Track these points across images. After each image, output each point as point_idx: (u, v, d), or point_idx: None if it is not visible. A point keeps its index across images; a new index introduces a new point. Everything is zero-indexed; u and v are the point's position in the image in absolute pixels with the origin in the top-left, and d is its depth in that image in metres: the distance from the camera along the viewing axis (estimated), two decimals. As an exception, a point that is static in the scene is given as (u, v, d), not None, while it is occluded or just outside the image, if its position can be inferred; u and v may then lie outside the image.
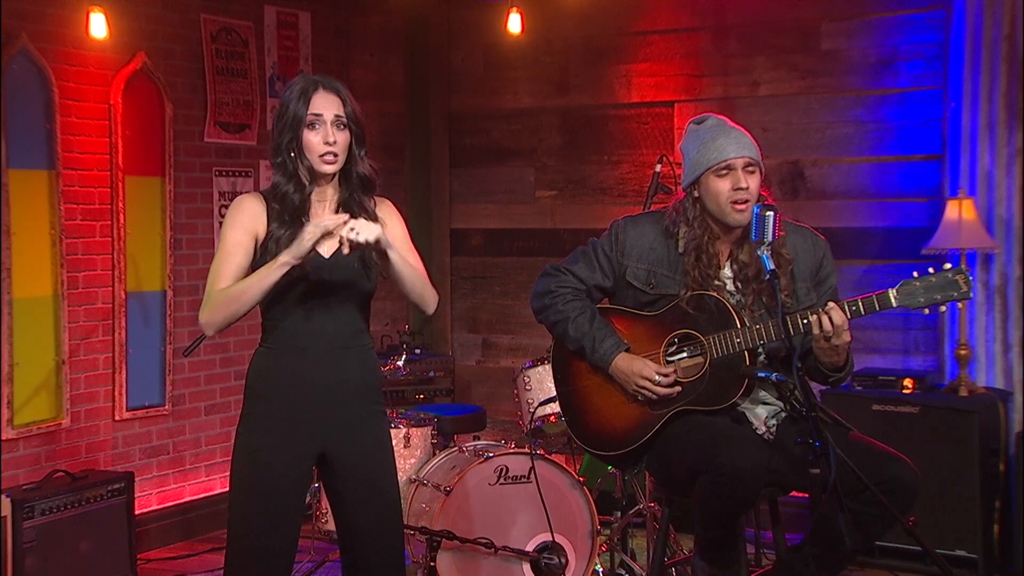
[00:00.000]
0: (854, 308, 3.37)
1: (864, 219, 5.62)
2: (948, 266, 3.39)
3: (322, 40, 6.49)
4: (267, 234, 3.16)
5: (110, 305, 5.42)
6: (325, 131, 3.14)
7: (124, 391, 5.45)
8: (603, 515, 4.76)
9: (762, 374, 3.42)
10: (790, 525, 3.90)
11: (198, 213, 5.81)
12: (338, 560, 3.38)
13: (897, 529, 3.41)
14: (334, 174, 3.20)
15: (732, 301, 3.55)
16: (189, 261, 5.75)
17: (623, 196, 6.16)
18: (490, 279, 6.60)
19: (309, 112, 3.14)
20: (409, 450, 4.97)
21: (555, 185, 6.40)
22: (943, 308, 3.40)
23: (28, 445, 5.07)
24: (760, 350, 3.52)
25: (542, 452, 4.63)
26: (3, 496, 4.69)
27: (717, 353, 3.51)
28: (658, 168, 4.87)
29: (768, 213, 3.34)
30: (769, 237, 3.34)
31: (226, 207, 5.82)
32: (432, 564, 4.42)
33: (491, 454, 4.58)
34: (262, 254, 3.15)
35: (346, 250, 3.02)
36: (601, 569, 4.74)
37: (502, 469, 4.58)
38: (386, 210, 3.32)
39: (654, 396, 3.56)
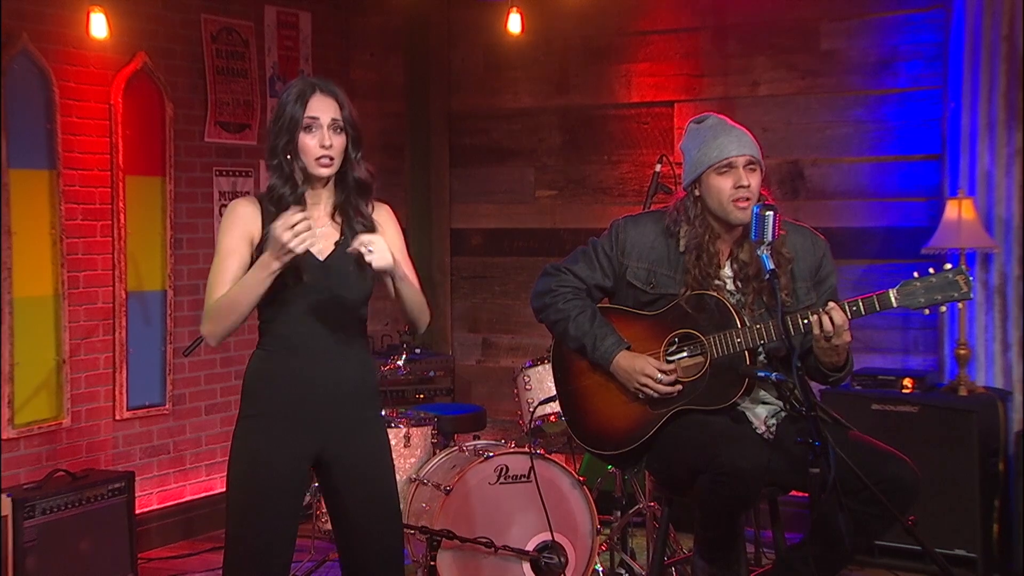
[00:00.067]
0: (854, 308, 3.38)
1: (864, 219, 5.63)
2: (948, 266, 3.39)
3: (322, 40, 6.49)
4: (263, 237, 3.16)
5: (111, 305, 5.42)
6: (321, 135, 3.14)
7: (125, 391, 5.46)
8: (603, 514, 4.77)
9: (762, 373, 3.43)
10: (790, 524, 3.91)
11: (198, 213, 5.82)
12: (338, 560, 3.38)
13: (897, 528, 3.41)
14: (330, 177, 3.20)
15: (732, 301, 3.56)
16: (189, 261, 5.76)
17: (623, 196, 6.17)
18: (490, 279, 6.60)
19: (306, 115, 3.13)
20: (409, 449, 4.97)
21: (555, 185, 6.40)
22: (943, 308, 3.40)
23: (29, 444, 5.07)
24: (760, 350, 3.53)
25: (542, 451, 4.64)
26: (4, 495, 4.69)
27: (717, 353, 3.52)
28: (658, 168, 4.87)
29: (768, 213, 3.35)
30: (769, 237, 3.34)
31: (226, 206, 5.84)
32: (432, 563, 4.42)
33: (491, 453, 4.59)
34: (259, 256, 3.15)
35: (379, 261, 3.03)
36: (601, 568, 4.75)
37: (502, 468, 4.58)
38: (384, 215, 3.32)
39: (655, 394, 3.56)
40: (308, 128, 3.14)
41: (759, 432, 3.56)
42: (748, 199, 3.51)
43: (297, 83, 3.20)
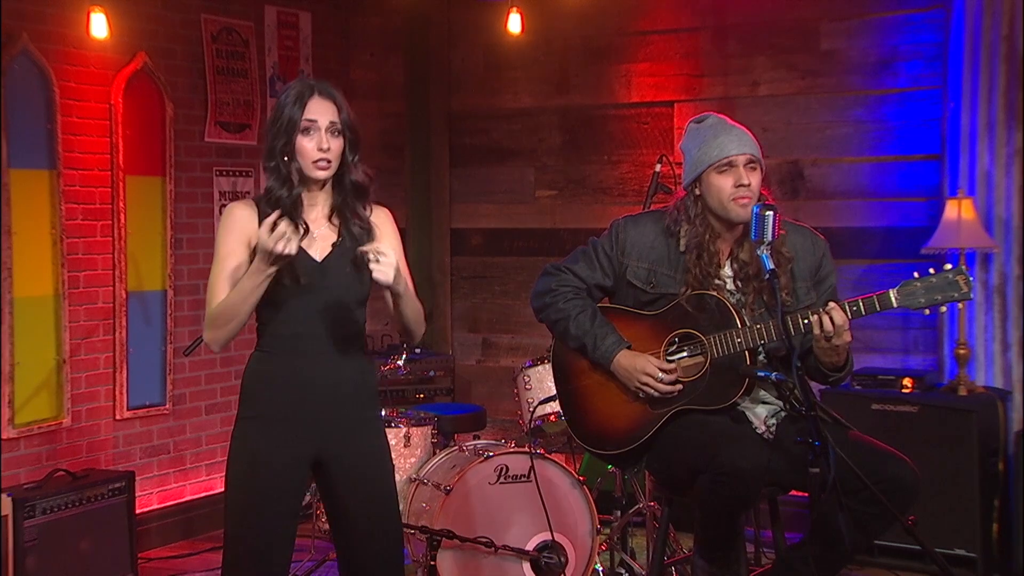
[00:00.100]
0: (855, 308, 3.38)
1: (863, 219, 5.63)
2: (948, 266, 3.39)
3: (322, 40, 6.50)
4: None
5: (111, 304, 5.43)
6: (319, 137, 3.13)
7: (125, 390, 5.46)
8: (603, 514, 4.77)
9: (762, 373, 3.43)
10: (790, 524, 3.91)
11: (199, 213, 5.82)
12: (336, 560, 3.37)
13: (896, 528, 3.42)
14: (327, 180, 3.20)
15: (732, 300, 3.56)
16: (190, 261, 5.76)
17: (623, 196, 6.17)
18: (490, 279, 6.60)
19: (304, 117, 3.13)
20: (409, 449, 4.97)
21: (555, 185, 6.40)
22: (943, 309, 3.41)
23: (29, 444, 5.07)
24: (760, 349, 3.53)
25: (542, 451, 4.64)
26: (4, 495, 4.69)
27: (718, 353, 3.52)
28: (658, 168, 4.88)
29: (768, 212, 3.35)
30: (769, 236, 3.34)
31: (227, 206, 5.84)
32: (432, 563, 4.43)
33: (491, 453, 4.59)
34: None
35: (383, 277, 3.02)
36: (601, 568, 4.75)
37: (502, 468, 4.58)
38: (382, 218, 3.31)
39: (656, 394, 3.56)
40: (306, 131, 3.13)
41: (759, 432, 3.56)
42: (749, 198, 3.51)
43: (295, 85, 3.20)
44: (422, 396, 6.06)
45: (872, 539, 3.48)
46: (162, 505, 5.67)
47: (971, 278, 3.38)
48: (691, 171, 3.62)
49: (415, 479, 4.81)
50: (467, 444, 4.86)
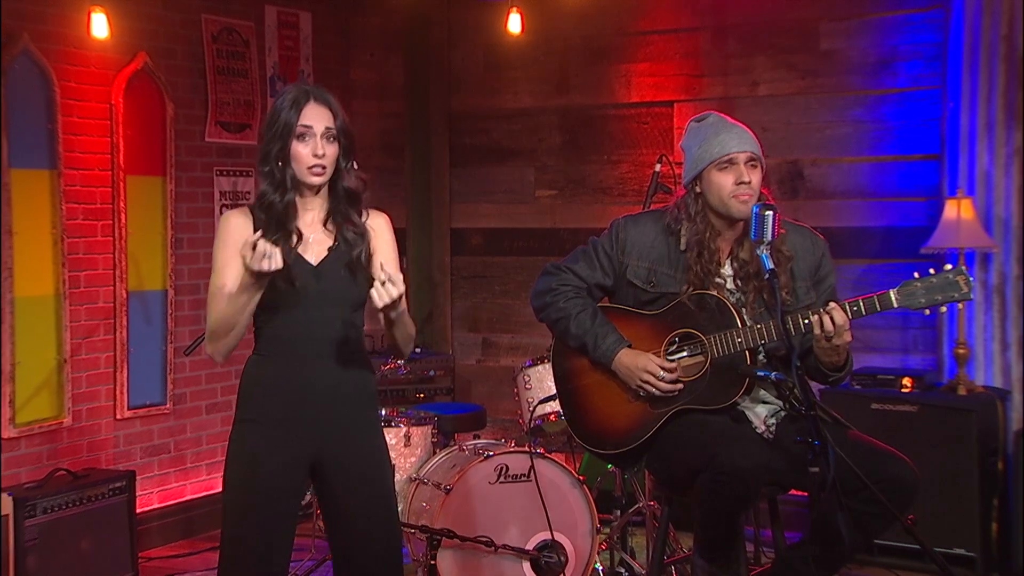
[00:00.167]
0: (855, 308, 3.39)
1: (863, 218, 5.64)
2: (949, 267, 3.40)
3: (323, 40, 6.50)
4: None
5: (111, 304, 5.43)
6: (314, 143, 3.13)
7: (125, 390, 5.47)
8: (603, 513, 4.77)
9: (761, 373, 3.43)
10: (789, 523, 3.91)
11: (199, 212, 5.83)
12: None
13: (896, 527, 3.42)
14: (322, 185, 3.20)
15: (732, 299, 3.57)
16: (190, 260, 5.76)
17: (623, 196, 6.18)
18: (490, 278, 6.61)
19: (300, 123, 3.13)
20: (409, 449, 4.98)
21: (555, 185, 6.41)
22: (943, 309, 3.41)
23: (30, 444, 5.08)
24: (760, 349, 3.53)
25: (542, 451, 4.64)
26: (5, 494, 4.70)
27: (718, 352, 3.52)
28: (658, 168, 4.88)
29: (767, 212, 3.35)
30: (768, 236, 3.34)
31: (227, 206, 5.86)
32: (432, 562, 4.43)
33: (491, 453, 4.59)
34: None
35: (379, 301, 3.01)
36: (601, 567, 4.75)
37: (502, 468, 4.59)
38: (380, 224, 3.30)
39: (656, 392, 3.57)
40: (301, 136, 3.13)
41: (759, 432, 3.56)
42: (749, 195, 3.52)
43: (291, 90, 3.19)
44: (422, 396, 6.06)
45: (872, 539, 3.48)
46: (162, 504, 5.68)
47: (971, 278, 3.39)
48: (692, 169, 3.62)
49: (415, 478, 4.82)
50: (467, 444, 4.86)
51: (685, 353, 3.60)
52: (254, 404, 3.21)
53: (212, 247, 3.23)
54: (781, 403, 3.56)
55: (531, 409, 4.80)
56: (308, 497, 3.39)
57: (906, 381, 5.15)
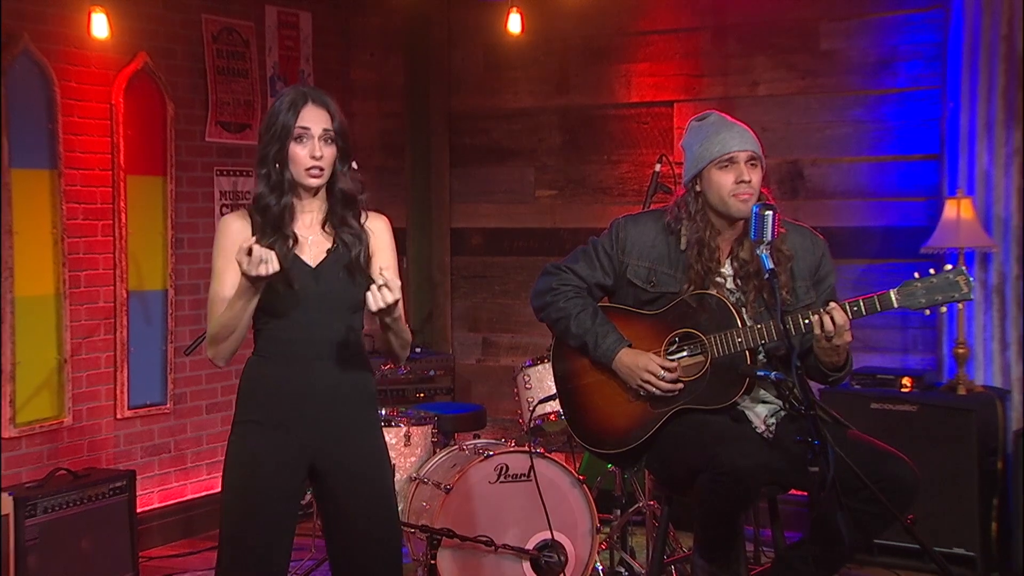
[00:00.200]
0: (855, 308, 3.39)
1: (863, 218, 5.64)
2: (949, 267, 3.40)
3: (323, 40, 6.50)
4: None
5: (112, 304, 5.43)
6: (312, 145, 3.13)
7: (126, 390, 5.47)
8: (603, 513, 4.77)
9: (761, 372, 3.44)
10: (789, 523, 3.92)
11: (199, 212, 5.83)
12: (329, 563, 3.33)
13: (896, 527, 3.42)
14: (320, 187, 3.20)
15: (732, 299, 3.57)
16: (190, 260, 5.77)
17: (623, 196, 6.18)
18: (490, 278, 6.61)
19: (297, 125, 3.13)
20: (409, 448, 4.98)
21: (555, 185, 6.41)
22: (943, 309, 3.42)
23: (30, 443, 5.08)
24: (760, 349, 3.54)
25: (542, 450, 4.65)
26: (5, 494, 4.70)
27: (718, 352, 3.53)
28: (658, 168, 4.89)
29: (767, 212, 3.35)
30: (768, 236, 3.35)
31: (227, 206, 5.87)
32: (432, 562, 4.43)
33: (491, 452, 4.60)
34: None
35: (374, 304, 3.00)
36: (601, 567, 4.76)
37: (502, 467, 4.59)
38: (380, 227, 3.30)
39: (657, 392, 3.57)
40: (299, 138, 3.13)
41: (759, 431, 3.57)
42: (750, 194, 3.52)
43: (289, 92, 3.19)
44: (422, 395, 6.07)
45: (871, 538, 3.49)
46: (163, 504, 5.68)
47: (971, 278, 3.39)
48: (692, 167, 3.62)
49: (415, 478, 4.82)
50: (467, 443, 4.87)
51: (685, 353, 3.61)
52: (254, 405, 3.21)
53: (212, 247, 3.23)
54: (781, 403, 3.56)
55: (531, 409, 4.80)
56: (308, 497, 3.39)
57: (906, 381, 5.16)
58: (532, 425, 4.80)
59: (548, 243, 6.35)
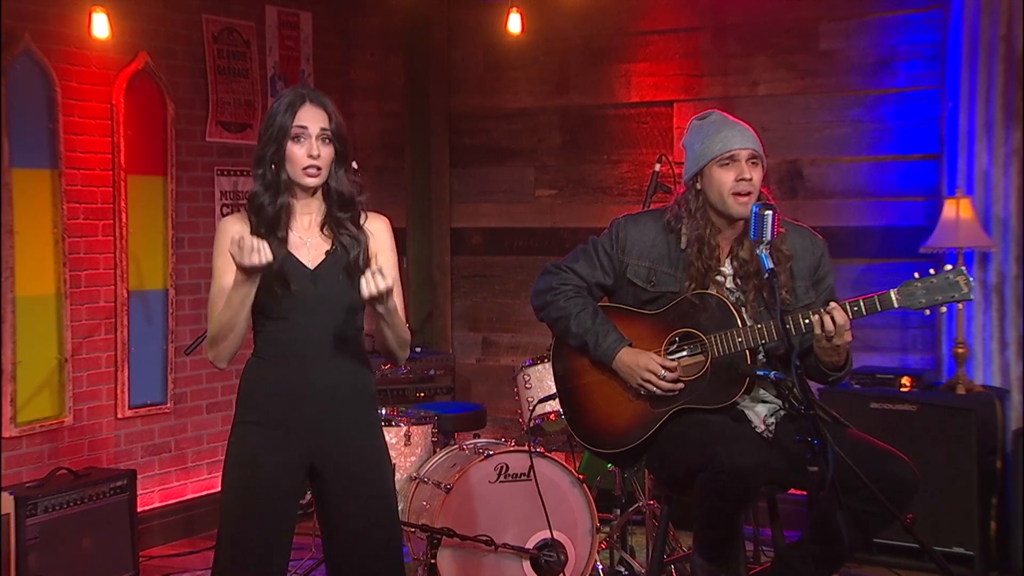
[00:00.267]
0: (856, 308, 3.39)
1: (862, 218, 5.64)
2: (949, 267, 3.40)
3: (323, 40, 6.51)
4: None
5: (112, 304, 5.44)
6: (310, 144, 3.13)
7: (126, 389, 5.48)
8: (603, 513, 4.78)
9: (761, 372, 3.44)
10: (789, 522, 3.92)
11: (200, 212, 5.84)
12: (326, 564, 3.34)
13: (895, 526, 3.43)
14: (319, 188, 3.20)
15: (732, 298, 3.57)
16: (191, 260, 5.77)
17: (623, 195, 6.18)
18: (490, 278, 6.62)
19: (295, 124, 3.13)
20: (410, 448, 4.98)
21: (555, 184, 6.42)
22: (943, 309, 3.42)
23: (31, 443, 5.09)
24: (760, 349, 3.54)
25: (542, 450, 4.65)
26: (6, 493, 4.70)
27: (718, 352, 3.53)
28: (657, 167, 4.89)
29: (767, 212, 3.35)
30: (768, 236, 3.35)
31: (227, 206, 5.87)
32: (432, 561, 4.44)
33: (491, 452, 4.60)
34: None
35: (366, 290, 3.01)
36: (601, 566, 4.76)
37: (502, 467, 4.60)
38: (380, 228, 3.30)
39: (657, 391, 3.57)
40: (296, 138, 3.14)
41: (758, 431, 3.57)
42: (750, 193, 3.53)
43: (288, 93, 3.20)
44: (422, 395, 6.07)
45: (871, 537, 3.49)
46: (163, 503, 5.69)
47: (971, 278, 3.39)
48: (693, 165, 3.62)
49: (415, 478, 4.83)
50: (467, 443, 4.87)
51: (685, 352, 3.61)
52: (253, 405, 3.22)
53: (212, 247, 3.24)
54: (781, 402, 3.57)
55: (531, 408, 4.80)
56: (308, 497, 3.39)
57: (905, 380, 5.16)
58: (532, 425, 4.80)
59: (548, 243, 6.35)
